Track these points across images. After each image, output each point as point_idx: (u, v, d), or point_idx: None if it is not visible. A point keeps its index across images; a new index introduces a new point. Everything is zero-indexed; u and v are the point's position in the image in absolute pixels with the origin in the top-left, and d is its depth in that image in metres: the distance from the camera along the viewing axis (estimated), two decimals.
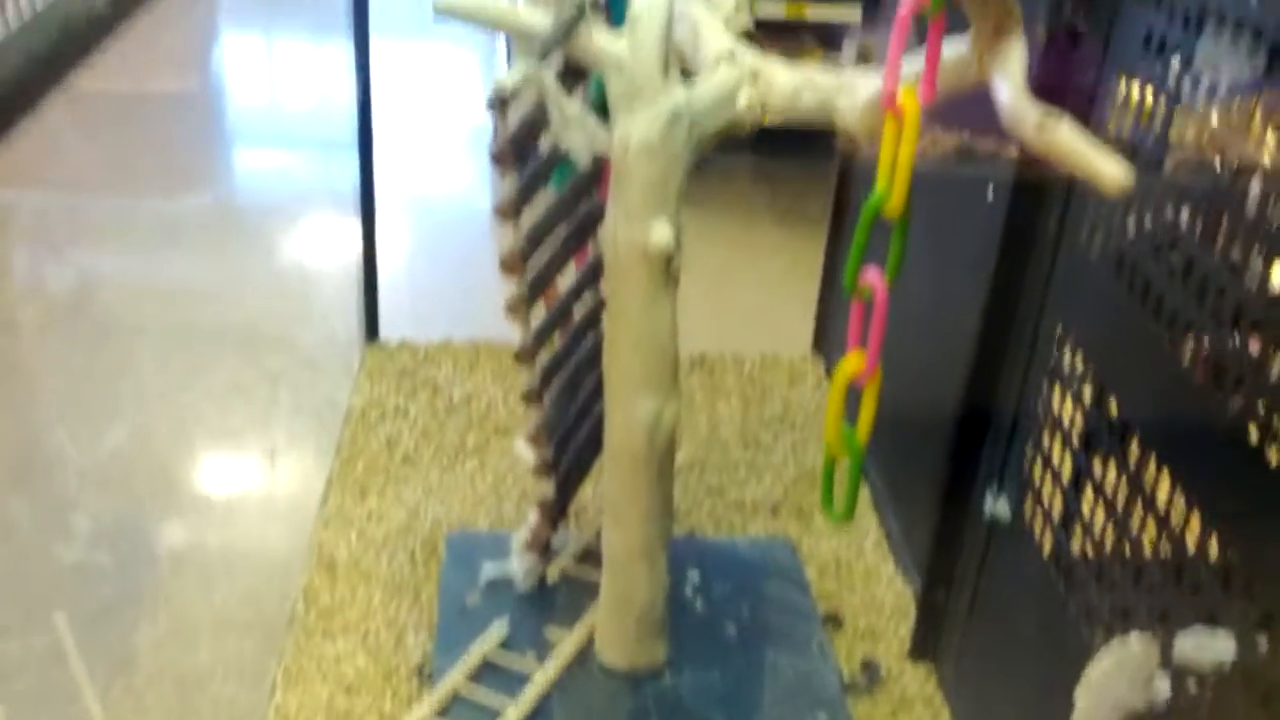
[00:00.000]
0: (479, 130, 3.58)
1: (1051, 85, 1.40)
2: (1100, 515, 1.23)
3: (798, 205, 3.05)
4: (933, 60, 0.97)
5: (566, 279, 1.56)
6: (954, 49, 1.05)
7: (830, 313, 2.30)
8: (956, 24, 1.05)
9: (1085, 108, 1.32)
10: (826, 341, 2.32)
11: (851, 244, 1.07)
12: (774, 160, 3.23)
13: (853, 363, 1.10)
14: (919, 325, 1.66)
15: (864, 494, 1.91)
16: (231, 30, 4.67)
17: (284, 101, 3.99)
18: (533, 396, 1.49)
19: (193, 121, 3.63)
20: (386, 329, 2.29)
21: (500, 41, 4.32)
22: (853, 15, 3.25)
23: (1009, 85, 0.97)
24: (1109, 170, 0.87)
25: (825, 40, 3.39)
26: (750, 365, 2.26)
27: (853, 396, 1.14)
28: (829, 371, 2.26)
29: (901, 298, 1.12)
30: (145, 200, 2.87)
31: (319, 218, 2.96)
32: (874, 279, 1.07)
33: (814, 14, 3.32)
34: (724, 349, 2.30)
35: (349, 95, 2.10)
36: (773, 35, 3.38)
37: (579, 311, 1.58)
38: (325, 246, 2.79)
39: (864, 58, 2.91)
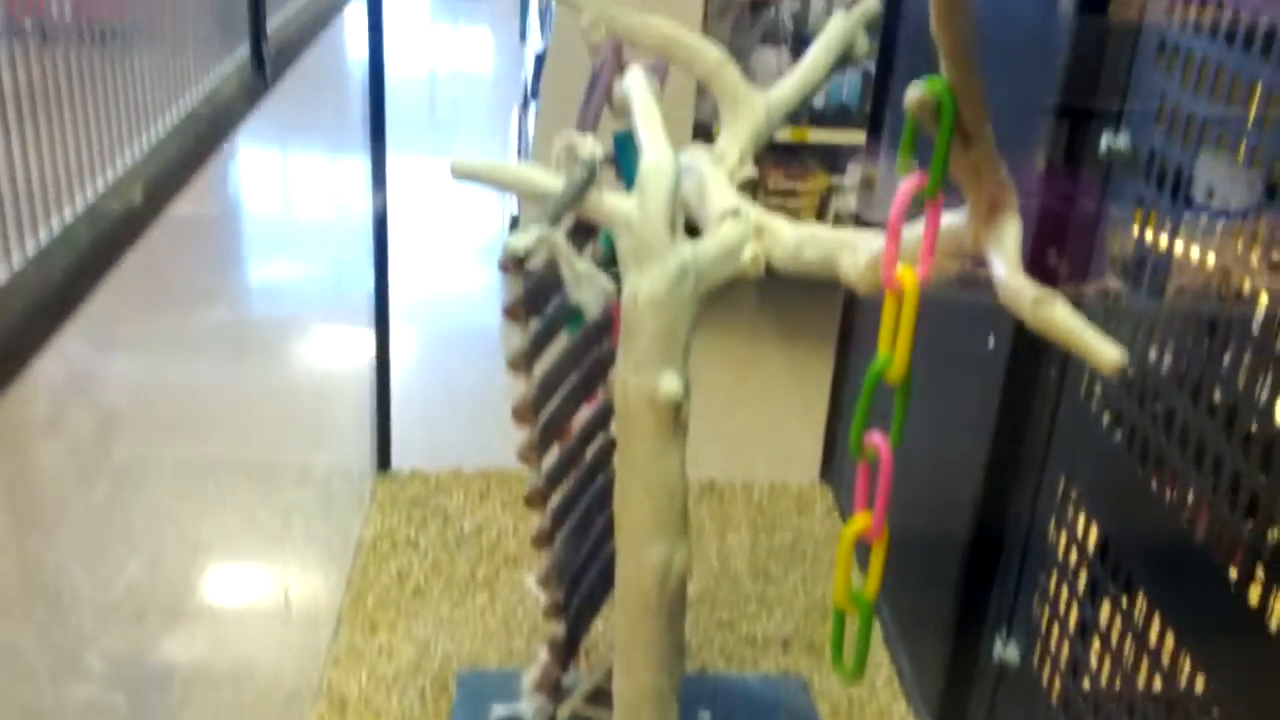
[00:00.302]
0: (490, 249, 3.65)
1: (1052, 215, 1.44)
2: (1107, 664, 1.23)
3: (804, 325, 3.09)
4: (930, 239, 1.01)
5: (577, 416, 1.59)
6: (951, 220, 1.09)
7: (838, 440, 2.32)
8: (953, 195, 1.09)
9: (1086, 239, 1.37)
10: (834, 469, 2.34)
11: (856, 399, 1.10)
12: (780, 279, 3.29)
13: (860, 522, 1.12)
14: (926, 468, 1.68)
15: (876, 631, 1.91)
16: (249, 146, 4.80)
17: (299, 218, 4.08)
18: (543, 539, 1.51)
19: (209, 240, 3.71)
20: (398, 456, 2.32)
21: (512, 159, 4.43)
22: (856, 138, 3.34)
23: (1004, 262, 1.01)
24: (1105, 352, 0.90)
25: (829, 163, 3.47)
26: (759, 493, 2.28)
27: (862, 545, 1.15)
28: (837, 500, 2.28)
29: (908, 440, 1.14)
30: (162, 320, 2.92)
31: (331, 337, 3.00)
32: (879, 441, 1.09)
33: (817, 137, 3.41)
34: (733, 475, 2.32)
35: (364, 212, 2.14)
36: (778, 157, 3.46)
37: (590, 452, 1.61)
38: (338, 367, 2.83)
39: (868, 185, 2.98)
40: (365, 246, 2.18)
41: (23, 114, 0.80)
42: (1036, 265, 1.34)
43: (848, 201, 3.42)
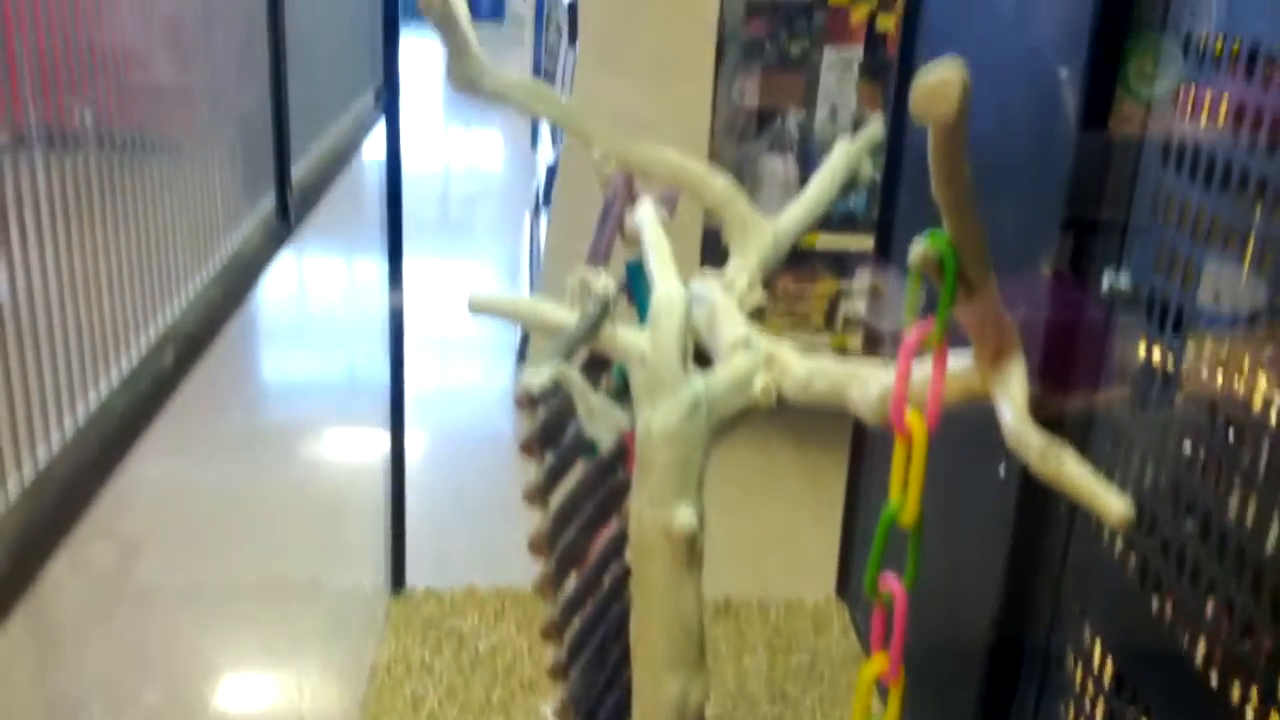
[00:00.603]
0: (501, 356, 3.68)
1: (1060, 328, 1.47)
2: None
3: (816, 431, 3.10)
4: (937, 386, 1.03)
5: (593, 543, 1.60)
6: (958, 364, 1.12)
7: (852, 557, 2.32)
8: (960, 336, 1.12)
9: (1095, 352, 1.38)
10: (850, 585, 2.33)
11: (867, 524, 1.11)
12: None
13: (877, 664, 1.12)
14: (941, 598, 1.67)
15: None
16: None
17: (313, 322, 4.13)
18: (559, 671, 1.51)
19: (218, 344, 3.75)
20: (412, 573, 2.32)
21: (524, 264, 4.49)
22: (864, 243, 3.38)
23: (1011, 409, 1.03)
24: (1112, 505, 0.91)
25: (837, 268, 3.52)
26: (775, 612, 2.27)
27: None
28: (853, 618, 2.27)
29: (921, 568, 1.14)
30: (179, 441, 2.93)
31: (344, 448, 3.02)
32: (893, 584, 1.10)
33: (825, 243, 3.45)
34: (748, 592, 2.32)
35: (380, 314, 2.15)
36: (787, 263, 3.51)
37: (606, 580, 1.61)
38: (351, 481, 2.84)
39: (876, 293, 3.02)
40: (380, 350, 2.19)
41: (63, 289, 0.83)
42: (1047, 375, 1.37)
43: (856, 306, 3.46)
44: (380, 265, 2.14)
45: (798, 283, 3.54)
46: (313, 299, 4.36)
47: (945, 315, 1.00)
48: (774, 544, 2.58)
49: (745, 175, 3.51)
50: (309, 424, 3.16)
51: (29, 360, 0.78)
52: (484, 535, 2.54)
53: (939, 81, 0.77)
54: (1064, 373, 1.41)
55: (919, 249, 0.98)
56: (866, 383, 1.32)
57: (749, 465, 2.93)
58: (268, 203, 1.35)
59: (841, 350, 3.43)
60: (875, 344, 2.66)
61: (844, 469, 2.34)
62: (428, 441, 3.04)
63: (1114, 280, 1.23)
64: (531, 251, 4.28)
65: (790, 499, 2.80)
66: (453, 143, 7.01)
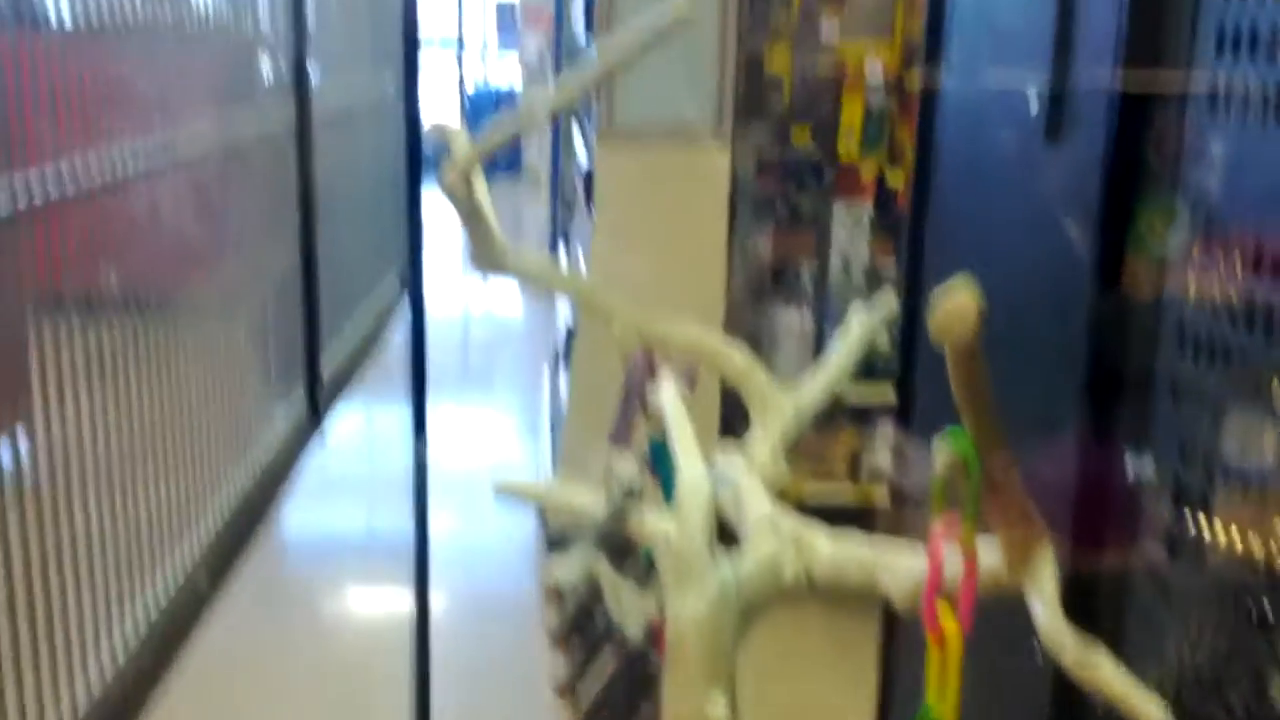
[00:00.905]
0: (524, 520, 3.65)
1: (1082, 498, 1.46)
2: None
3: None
4: (969, 594, 1.03)
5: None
6: (986, 553, 1.11)
7: None
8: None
9: (1120, 525, 1.37)
10: None
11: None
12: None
13: None
14: None
15: None
16: None
17: (333, 473, 4.11)
18: None
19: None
20: None
21: (544, 417, 4.52)
22: (885, 395, 3.39)
23: (1043, 605, 1.02)
24: (1150, 713, 0.90)
25: (859, 420, 3.53)
26: None
27: None
28: None
29: None
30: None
31: (367, 605, 2.98)
32: None
33: (846, 394, 3.45)
34: None
35: (400, 466, 2.13)
36: None
37: None
38: (372, 643, 2.79)
39: (899, 453, 3.02)
40: (403, 503, 2.17)
41: (101, 505, 0.85)
42: (1081, 539, 1.35)
43: (878, 458, 3.46)
44: (401, 416, 2.15)
45: (820, 435, 3.54)
46: (333, 448, 4.37)
47: (973, 519, 1.00)
48: (806, 715, 2.52)
49: (762, 330, 3.56)
50: (330, 582, 3.13)
51: (70, 593, 0.79)
52: (510, 707, 2.49)
53: (955, 306, 0.80)
54: (1093, 550, 1.40)
55: (943, 453, 0.99)
56: (896, 572, 1.31)
57: (777, 631, 2.87)
58: (298, 396, 1.38)
59: (866, 504, 3.41)
60: (902, 502, 2.65)
61: (875, 633, 2.30)
62: (450, 600, 3.00)
63: (1138, 467, 1.24)
64: (552, 405, 4.31)
65: (821, 665, 2.74)
66: (472, 288, 7.11)
